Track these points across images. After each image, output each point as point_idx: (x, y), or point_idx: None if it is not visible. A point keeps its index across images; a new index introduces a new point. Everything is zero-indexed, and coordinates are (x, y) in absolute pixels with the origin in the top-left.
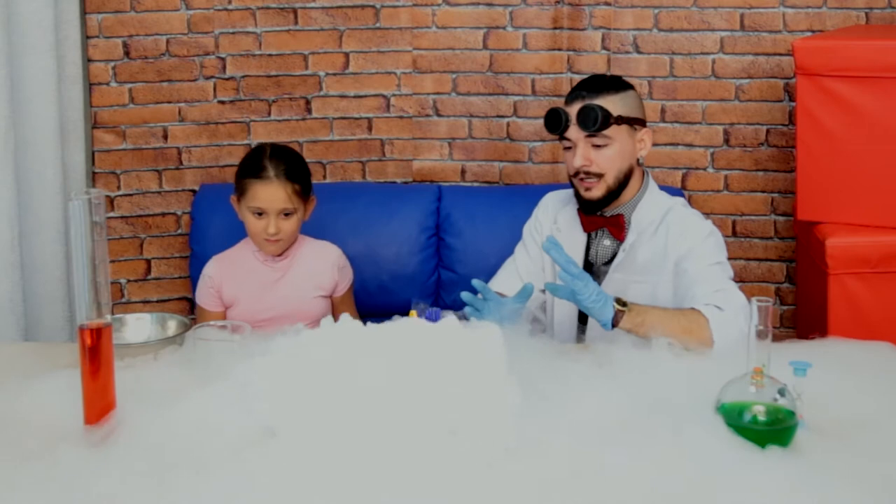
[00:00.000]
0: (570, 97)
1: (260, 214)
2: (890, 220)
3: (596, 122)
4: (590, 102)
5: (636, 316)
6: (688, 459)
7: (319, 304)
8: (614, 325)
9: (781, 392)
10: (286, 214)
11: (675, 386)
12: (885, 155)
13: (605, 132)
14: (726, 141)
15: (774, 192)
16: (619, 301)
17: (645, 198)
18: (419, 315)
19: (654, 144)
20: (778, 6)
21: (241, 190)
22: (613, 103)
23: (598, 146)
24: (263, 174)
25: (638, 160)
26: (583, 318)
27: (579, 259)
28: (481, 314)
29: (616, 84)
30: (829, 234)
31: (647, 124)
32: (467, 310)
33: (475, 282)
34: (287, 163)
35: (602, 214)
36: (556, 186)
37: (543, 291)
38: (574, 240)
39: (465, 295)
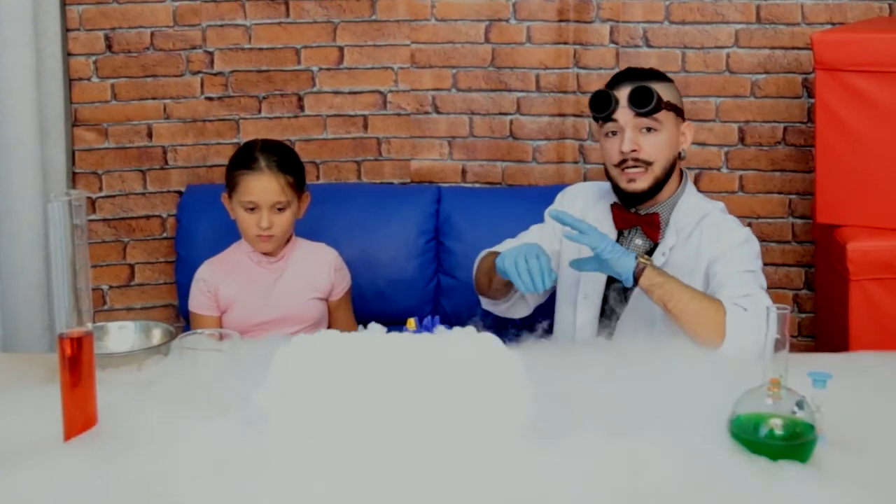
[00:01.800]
0: (616, 80)
1: (252, 209)
2: None
3: (650, 102)
4: (642, 84)
5: (658, 276)
6: (700, 475)
7: (315, 306)
8: (636, 280)
9: (800, 404)
10: (279, 209)
11: (688, 397)
12: None
13: (657, 116)
14: (741, 140)
15: (792, 193)
16: (642, 256)
17: (683, 198)
18: (417, 324)
19: None
20: None
21: (232, 185)
22: (661, 89)
23: (647, 131)
24: (254, 165)
25: (679, 154)
26: (609, 314)
27: None
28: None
29: (659, 73)
30: (850, 238)
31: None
32: (566, 233)
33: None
34: (279, 154)
35: (636, 212)
36: (561, 187)
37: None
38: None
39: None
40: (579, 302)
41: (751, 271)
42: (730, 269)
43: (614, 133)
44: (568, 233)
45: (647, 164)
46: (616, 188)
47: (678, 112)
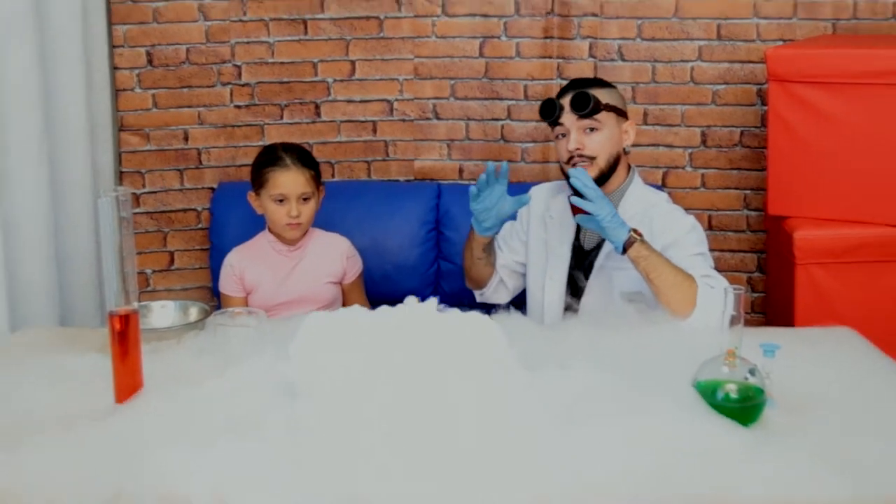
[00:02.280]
0: (563, 91)
1: (281, 201)
2: (853, 214)
3: (588, 105)
4: (581, 90)
5: (645, 249)
6: (662, 433)
7: (330, 290)
8: (625, 249)
9: (752, 372)
10: (305, 199)
11: (653, 365)
12: (849, 155)
13: (596, 117)
14: (703, 142)
15: (747, 189)
16: (635, 231)
17: (630, 189)
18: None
19: (637, 145)
20: (752, 17)
21: (261, 182)
22: (601, 94)
23: (590, 131)
24: (281, 163)
25: (624, 149)
26: (575, 292)
27: (569, 244)
28: (481, 194)
29: (601, 81)
30: (796, 228)
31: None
32: (476, 185)
33: (493, 166)
34: (299, 153)
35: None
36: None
37: (519, 266)
38: (565, 226)
39: (490, 164)
40: (546, 283)
41: (702, 254)
42: (684, 254)
43: (563, 135)
44: (575, 198)
45: (592, 158)
46: (569, 182)
47: (619, 113)
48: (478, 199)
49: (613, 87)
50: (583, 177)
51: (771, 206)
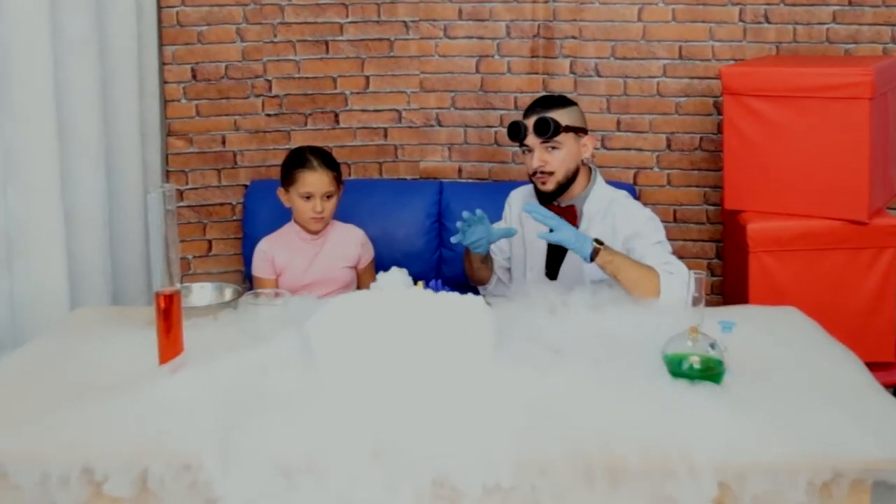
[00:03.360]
0: (528, 112)
1: (308, 198)
2: (797, 208)
3: (549, 130)
4: (543, 115)
5: (609, 255)
6: (638, 395)
7: (347, 273)
8: (593, 258)
9: (712, 345)
10: (328, 196)
11: (630, 339)
12: (792, 157)
13: (556, 138)
14: (668, 146)
15: (706, 187)
16: (597, 241)
17: (592, 191)
18: (425, 285)
19: (611, 149)
20: (708, 40)
21: (290, 181)
22: (562, 116)
23: (551, 150)
24: (309, 165)
25: (583, 161)
26: (551, 275)
27: (542, 241)
28: (468, 233)
29: (563, 101)
30: (749, 220)
31: (600, 133)
32: (459, 224)
33: (469, 213)
34: (324, 157)
35: (558, 205)
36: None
37: (508, 263)
38: (538, 226)
39: (465, 213)
40: (527, 273)
41: (661, 242)
42: (646, 243)
43: (529, 151)
44: (544, 233)
45: (552, 173)
46: (535, 189)
47: (578, 130)
48: (464, 238)
49: (574, 104)
50: (536, 212)
51: (727, 201)
